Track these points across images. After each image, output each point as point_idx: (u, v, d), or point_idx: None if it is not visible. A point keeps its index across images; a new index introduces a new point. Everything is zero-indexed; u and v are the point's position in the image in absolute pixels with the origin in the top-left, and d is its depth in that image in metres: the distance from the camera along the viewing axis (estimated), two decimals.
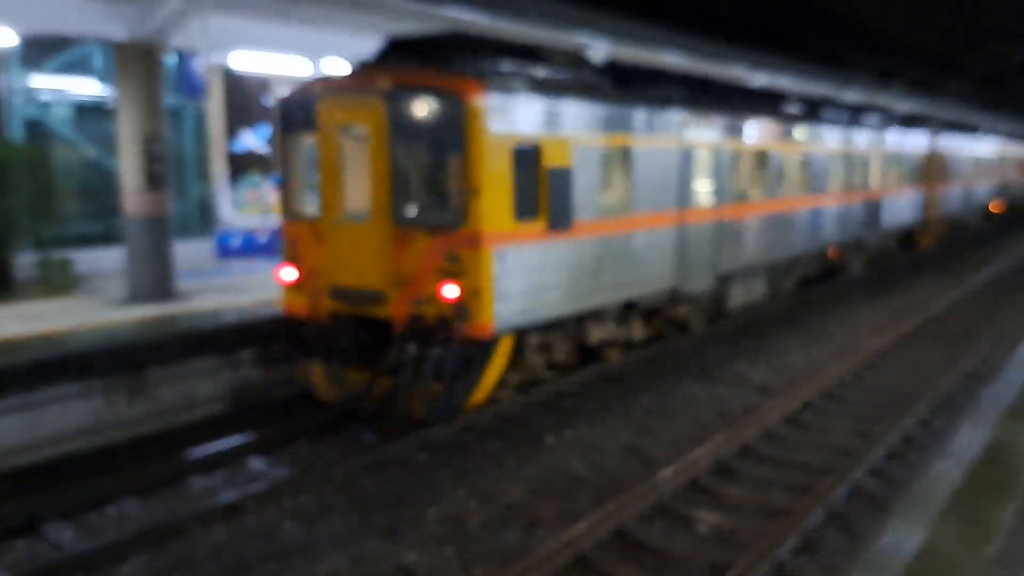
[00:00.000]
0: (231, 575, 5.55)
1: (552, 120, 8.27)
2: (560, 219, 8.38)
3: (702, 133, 10.92)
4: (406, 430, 7.94)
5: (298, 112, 8.46)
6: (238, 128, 17.88)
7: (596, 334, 9.59)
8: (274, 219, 15.58)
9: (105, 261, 12.91)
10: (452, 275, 7.56)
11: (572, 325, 9.19)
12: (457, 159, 7.61)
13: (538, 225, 8.13)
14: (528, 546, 5.83)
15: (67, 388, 8.02)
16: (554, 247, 8.38)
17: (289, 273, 8.58)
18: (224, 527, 6.33)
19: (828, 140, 15.05)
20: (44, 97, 13.32)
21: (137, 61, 10.35)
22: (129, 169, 10.65)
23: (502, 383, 8.47)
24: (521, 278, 7.96)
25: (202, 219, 14.90)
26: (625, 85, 10.22)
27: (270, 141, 11.24)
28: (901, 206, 19.25)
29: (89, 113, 14.09)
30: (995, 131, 30.98)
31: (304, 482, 7.05)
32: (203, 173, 14.74)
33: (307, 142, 8.53)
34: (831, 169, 15.16)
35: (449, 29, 9.97)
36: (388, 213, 7.86)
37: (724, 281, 11.87)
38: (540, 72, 8.78)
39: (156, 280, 10.86)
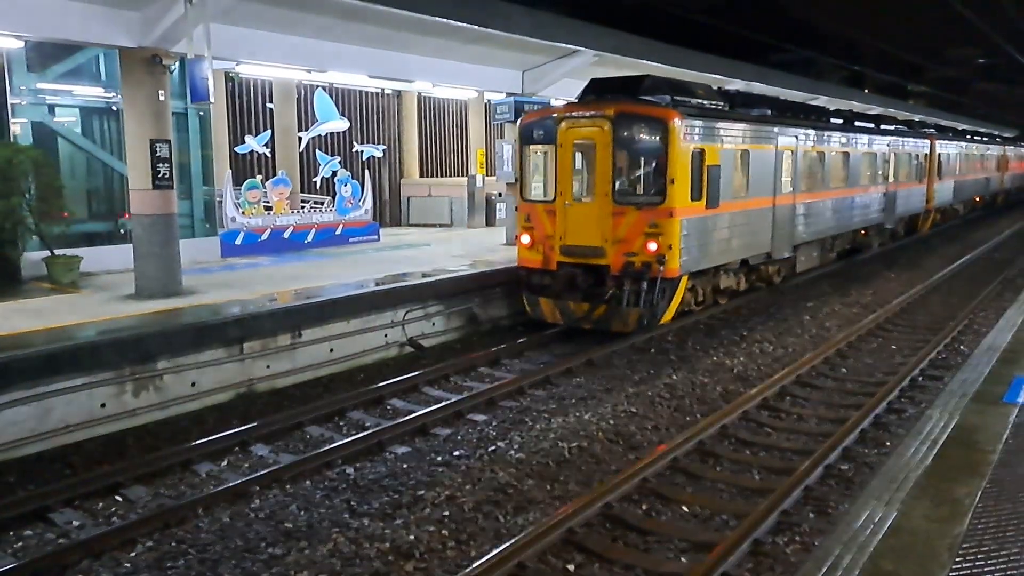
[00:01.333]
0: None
1: (709, 133, 11.62)
2: (713, 200, 11.67)
3: (785, 140, 14.02)
4: (614, 338, 11.22)
5: (535, 131, 11.82)
6: (242, 131, 17.78)
7: (724, 281, 13.11)
8: (277, 219, 15.52)
9: (111, 259, 12.77)
10: (653, 236, 10.87)
11: (711, 273, 12.56)
12: (660, 161, 10.95)
13: (701, 204, 11.42)
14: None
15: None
16: (709, 219, 11.74)
17: (526, 237, 11.92)
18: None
19: (860, 144, 18.11)
20: (51, 99, 13.15)
21: (142, 67, 10.21)
22: (135, 169, 10.53)
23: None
24: (694, 239, 11.33)
25: (207, 219, 14.77)
26: (738, 106, 13.87)
27: (515, 151, 13.47)
28: (910, 197, 22.38)
29: (95, 115, 13.93)
30: (975, 136, 34.45)
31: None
32: (207, 175, 14.61)
33: (540, 151, 11.90)
34: (862, 167, 18.20)
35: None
36: (609, 196, 11.13)
37: (795, 249, 15.08)
38: (696, 100, 12.29)
39: (163, 277, 10.74)
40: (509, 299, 13.07)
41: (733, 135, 12.31)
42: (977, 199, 32.75)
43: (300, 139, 17.61)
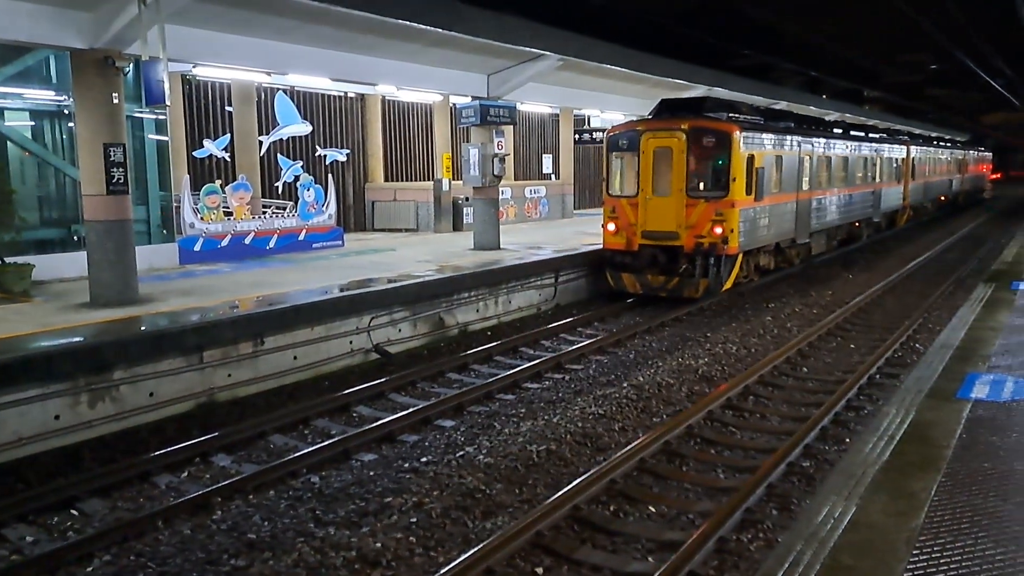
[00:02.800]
0: None
1: (756, 142, 14.60)
2: (760, 194, 14.56)
3: (805, 148, 17.16)
4: (687, 302, 14.09)
5: (620, 140, 14.79)
6: (200, 135, 17.51)
7: (762, 260, 16.10)
8: (237, 225, 15.32)
9: (65, 267, 12.46)
10: (719, 222, 13.75)
11: (754, 252, 15.37)
12: (724, 164, 13.86)
13: (752, 197, 14.32)
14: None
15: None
16: (758, 210, 14.74)
17: (612, 226, 14.67)
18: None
19: (856, 150, 21.28)
20: None
21: (95, 69, 10.00)
22: (88, 174, 10.30)
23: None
24: (747, 225, 14.34)
25: (164, 225, 14.52)
26: (769, 120, 16.82)
27: (605, 157, 15.55)
28: (891, 195, 25.74)
29: (46, 118, 13.62)
30: (940, 142, 37.62)
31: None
32: (164, 179, 14.37)
33: (624, 157, 14.74)
34: (858, 169, 21.42)
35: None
36: (683, 191, 13.99)
37: (811, 236, 18.05)
38: (743, 116, 15.46)
39: (118, 284, 10.52)
40: (477, 303, 13.08)
41: (771, 143, 15.41)
42: (942, 198, 35.70)
43: (261, 143, 17.40)
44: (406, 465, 7.28)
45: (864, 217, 22.69)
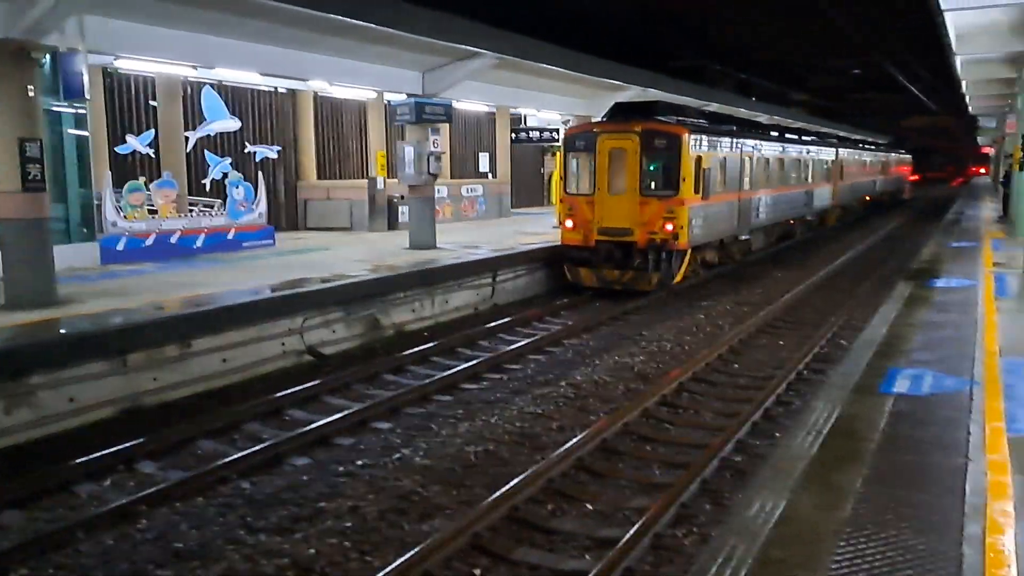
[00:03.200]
0: None
1: (703, 144, 15.57)
2: (707, 193, 15.52)
3: (746, 149, 18.28)
4: (639, 295, 14.86)
5: (577, 141, 15.66)
6: (123, 130, 16.89)
7: (708, 255, 16.89)
8: (162, 223, 14.85)
9: None
10: (669, 219, 14.64)
11: (702, 248, 16.16)
12: (674, 164, 14.75)
13: (699, 196, 15.23)
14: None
15: None
16: (705, 207, 15.63)
17: (569, 222, 15.46)
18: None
19: (791, 152, 22.62)
20: None
21: (9, 60, 9.52)
22: (3, 171, 9.81)
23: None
24: (696, 222, 15.22)
25: (84, 223, 13.96)
26: (713, 123, 18.02)
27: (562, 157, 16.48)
28: (822, 195, 27.03)
29: None
30: (864, 144, 39.97)
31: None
32: (84, 176, 13.81)
33: (580, 157, 15.54)
34: (792, 170, 22.67)
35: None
36: (636, 190, 14.90)
37: (751, 233, 19.16)
38: (691, 120, 16.59)
39: (36, 285, 10.07)
40: (413, 303, 12.99)
41: (716, 145, 16.42)
42: (867, 198, 37.67)
43: (187, 139, 16.89)
44: (341, 469, 7.17)
45: (798, 215, 23.98)
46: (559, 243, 16.11)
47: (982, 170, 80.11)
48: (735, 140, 17.71)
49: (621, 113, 16.12)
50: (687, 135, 14.91)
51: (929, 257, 16.63)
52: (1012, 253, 15.31)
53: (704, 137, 15.85)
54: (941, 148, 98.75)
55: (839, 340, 11.90)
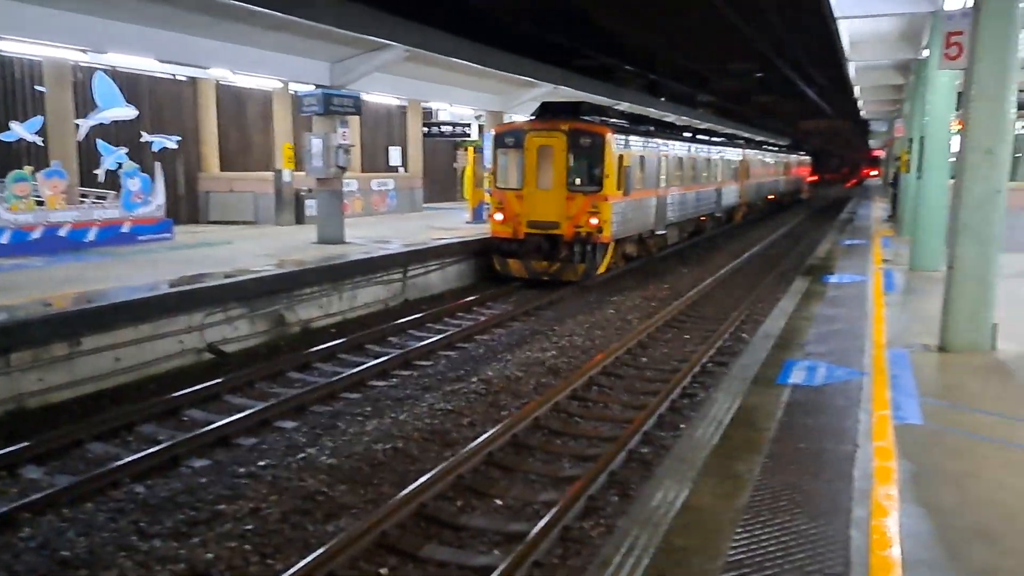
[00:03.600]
0: None
1: (625, 144, 16.57)
2: (628, 189, 16.54)
3: (663, 149, 19.45)
4: (565, 284, 15.68)
5: (507, 138, 16.19)
6: (7, 117, 15.86)
7: (628, 248, 18.07)
8: (50, 215, 14.03)
9: None
10: (594, 214, 15.48)
11: (623, 241, 17.18)
12: (598, 162, 15.62)
13: (621, 192, 16.17)
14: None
15: None
16: (626, 203, 16.60)
17: (499, 215, 16.06)
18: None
19: (702, 152, 23.89)
20: None
21: None
22: None
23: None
24: (618, 216, 16.13)
25: None
26: (632, 123, 18.89)
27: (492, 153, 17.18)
28: (730, 193, 28.38)
29: None
30: (768, 146, 42.21)
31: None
32: None
33: (509, 153, 16.18)
34: (704, 169, 23.97)
35: None
36: (564, 186, 15.68)
37: (667, 228, 20.29)
38: (613, 120, 17.54)
39: None
40: (320, 299, 12.71)
41: (636, 145, 17.34)
42: (771, 196, 39.37)
43: (78, 127, 16.01)
44: (242, 470, 6.94)
45: (709, 212, 25.34)
46: (471, 238, 16.37)
47: (874, 172, 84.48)
48: (653, 140, 18.65)
49: (549, 112, 16.77)
50: (610, 134, 15.73)
51: (824, 254, 17.47)
52: (899, 251, 16.23)
53: (625, 137, 16.70)
54: (837, 151, 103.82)
55: (741, 334, 12.32)
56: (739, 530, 4.02)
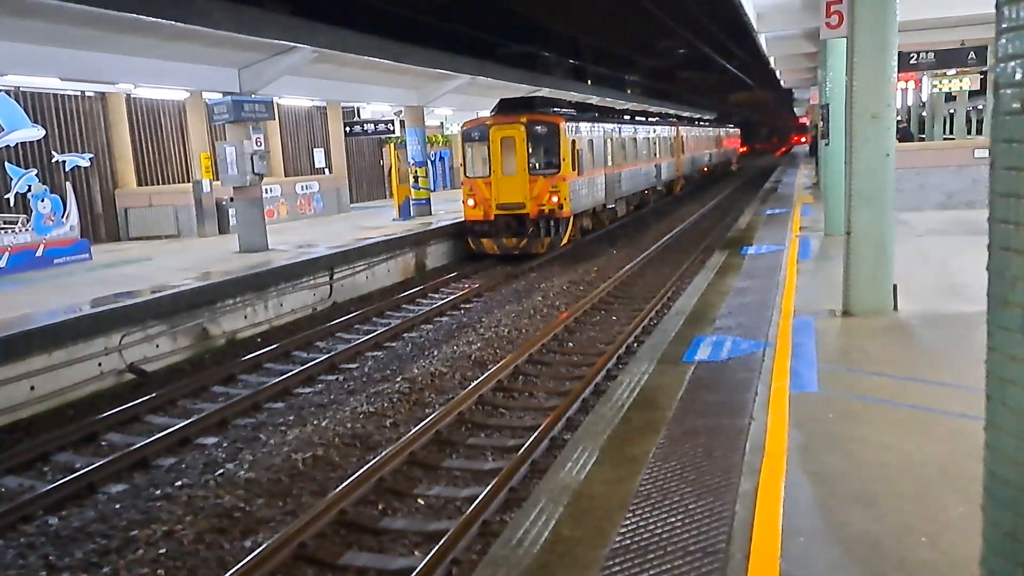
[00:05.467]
0: None
1: (576, 130, 18.77)
2: (581, 170, 18.81)
3: (608, 132, 21.93)
4: (535, 256, 17.79)
5: (473, 133, 18.21)
6: None
7: (585, 222, 20.33)
8: None
9: None
10: (554, 193, 17.61)
11: (580, 215, 19.50)
12: (555, 148, 17.77)
13: (576, 172, 18.39)
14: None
15: None
16: (581, 181, 18.95)
17: (471, 202, 18.05)
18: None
19: (642, 132, 26.35)
20: None
21: None
22: None
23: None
24: (574, 193, 18.29)
25: None
26: (580, 112, 21.27)
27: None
28: (669, 168, 31.31)
29: None
30: (699, 121, 44.85)
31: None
32: None
33: (475, 146, 18.14)
34: (644, 147, 26.41)
35: None
36: (526, 170, 17.73)
37: (616, 202, 22.88)
38: (564, 110, 19.86)
39: None
40: (244, 309, 12.49)
41: (585, 130, 19.59)
42: (705, 169, 42.35)
43: None
44: (157, 492, 6.81)
45: (651, 186, 28.10)
46: (397, 235, 16.71)
47: (803, 139, 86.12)
48: (599, 125, 21.14)
49: (508, 107, 18.93)
50: (564, 123, 17.93)
51: (744, 226, 17.79)
52: (817, 217, 16.61)
53: (576, 124, 18.93)
54: (765, 121, 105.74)
55: (666, 312, 12.50)
56: (628, 515, 4.08)
